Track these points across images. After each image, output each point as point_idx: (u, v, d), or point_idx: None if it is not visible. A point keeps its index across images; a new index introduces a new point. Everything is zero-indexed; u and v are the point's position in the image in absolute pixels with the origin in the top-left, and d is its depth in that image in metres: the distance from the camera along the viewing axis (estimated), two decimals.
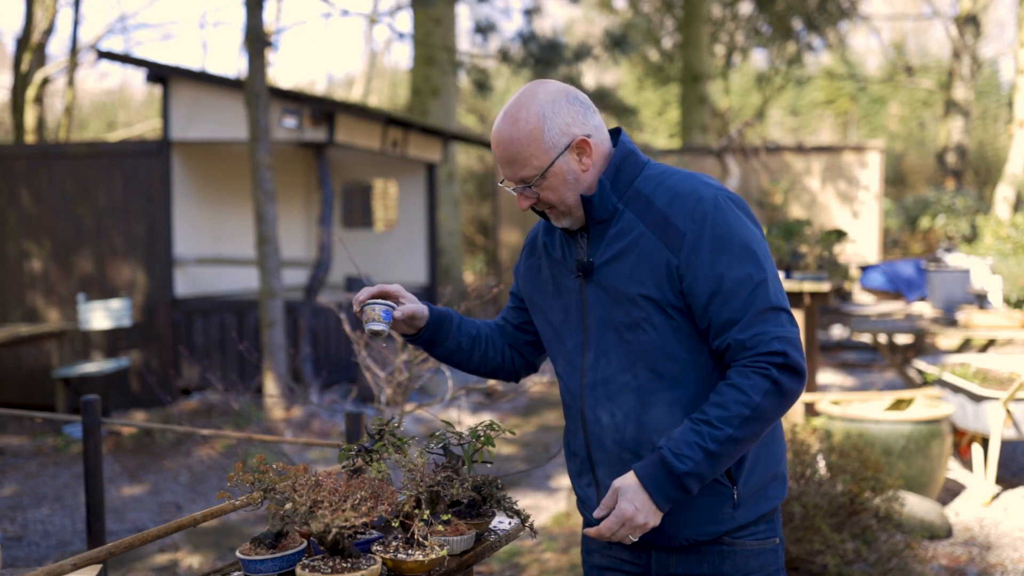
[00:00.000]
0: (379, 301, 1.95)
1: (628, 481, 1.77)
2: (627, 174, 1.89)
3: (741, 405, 1.73)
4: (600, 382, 1.89)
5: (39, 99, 15.74)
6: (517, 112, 1.85)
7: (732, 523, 1.87)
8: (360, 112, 9.05)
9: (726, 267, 1.77)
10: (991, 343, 7.53)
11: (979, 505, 5.40)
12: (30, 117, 15.22)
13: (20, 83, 14.96)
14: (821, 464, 4.23)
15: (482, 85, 12.77)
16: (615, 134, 1.94)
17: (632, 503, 1.74)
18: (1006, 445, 6.45)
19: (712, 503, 1.85)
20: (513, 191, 1.91)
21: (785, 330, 1.77)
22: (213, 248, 9.46)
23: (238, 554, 1.73)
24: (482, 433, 1.98)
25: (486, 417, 7.98)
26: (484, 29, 12.56)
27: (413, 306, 2.02)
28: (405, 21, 46.17)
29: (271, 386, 8.08)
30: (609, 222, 1.88)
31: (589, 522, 2.02)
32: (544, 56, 11.65)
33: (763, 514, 1.90)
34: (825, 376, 9.71)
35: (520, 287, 2.12)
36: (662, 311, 1.82)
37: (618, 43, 12.53)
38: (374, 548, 1.78)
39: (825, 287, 6.17)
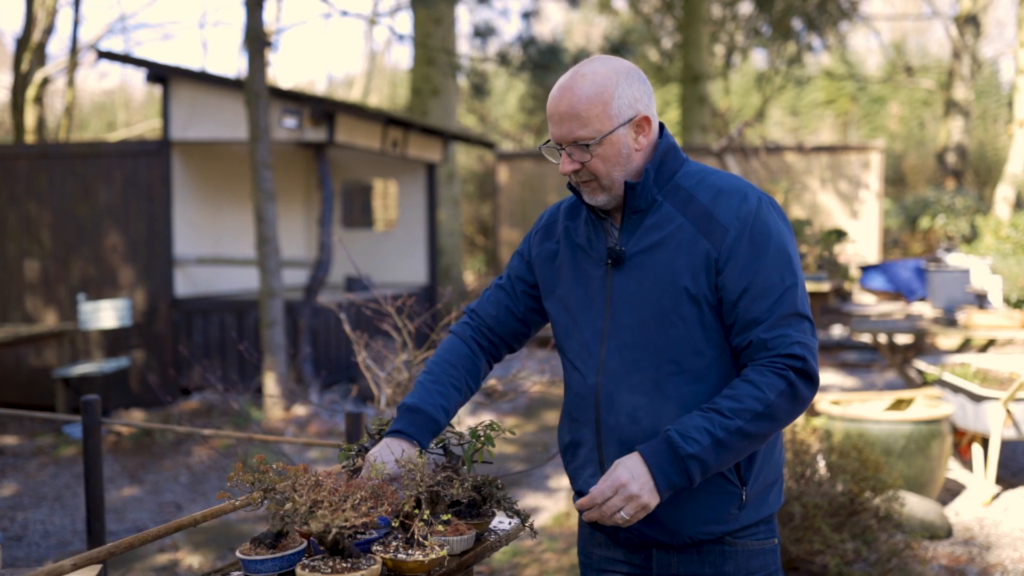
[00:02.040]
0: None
1: (630, 456, 1.75)
2: (669, 167, 1.88)
3: (755, 400, 1.72)
4: (619, 372, 1.87)
5: (39, 99, 15.74)
6: (589, 70, 1.82)
7: (735, 524, 1.86)
8: (360, 112, 9.05)
9: (761, 267, 1.78)
10: (991, 343, 7.53)
11: (979, 505, 5.40)
12: (30, 117, 15.22)
13: (20, 83, 14.96)
14: (821, 464, 4.23)
15: (480, 88, 12.78)
16: (659, 128, 1.93)
17: (630, 472, 1.72)
18: (1006, 445, 6.45)
19: (719, 502, 1.84)
20: (561, 150, 1.85)
21: (806, 337, 1.78)
22: (213, 248, 9.46)
23: (238, 554, 1.73)
24: (482, 433, 1.98)
25: (486, 417, 7.98)
26: (483, 33, 12.57)
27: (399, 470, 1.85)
28: (405, 22, 46.18)
29: (271, 386, 8.08)
30: (646, 212, 1.87)
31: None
32: (543, 61, 11.65)
33: (764, 517, 1.90)
34: (825, 376, 9.70)
35: (535, 272, 2.06)
36: (695, 303, 1.81)
37: (617, 49, 12.54)
38: (374, 548, 1.78)
39: (825, 287, 6.18)
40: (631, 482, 1.71)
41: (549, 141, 1.89)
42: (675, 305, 1.82)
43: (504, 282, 2.12)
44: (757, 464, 1.86)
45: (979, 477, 5.61)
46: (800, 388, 1.75)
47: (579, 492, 2.00)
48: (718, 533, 1.86)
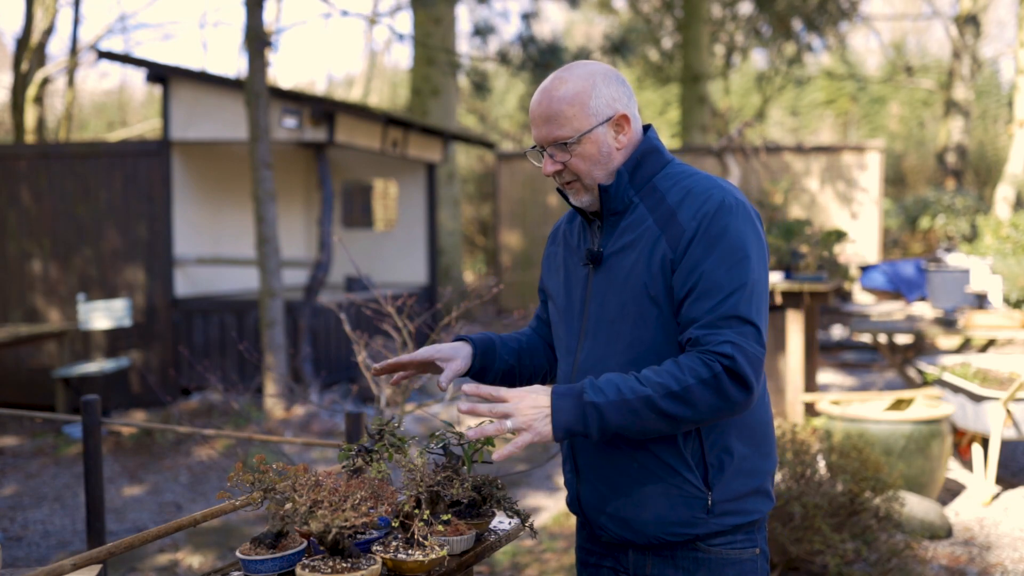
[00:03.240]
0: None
1: (542, 387, 1.75)
2: (647, 169, 1.89)
3: (671, 377, 1.70)
4: (589, 370, 1.89)
5: (39, 99, 15.74)
6: (568, 74, 1.86)
7: (705, 528, 1.84)
8: (360, 112, 9.05)
9: (709, 267, 1.77)
10: (991, 343, 7.53)
11: (979, 505, 5.40)
12: (30, 117, 15.22)
13: (20, 83, 14.97)
14: (821, 464, 4.23)
15: (480, 87, 12.78)
16: (644, 130, 1.95)
17: (531, 393, 1.70)
18: (1006, 445, 6.45)
19: (683, 504, 1.84)
20: (543, 153, 1.88)
21: (744, 341, 1.73)
22: (213, 248, 9.46)
23: (238, 554, 1.73)
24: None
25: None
26: (482, 32, 12.57)
27: (456, 364, 1.99)
28: (405, 22, 46.17)
29: (271, 386, 8.08)
30: (623, 214, 1.89)
31: (571, 505, 2.04)
32: (543, 59, 11.65)
33: (740, 525, 1.87)
34: (825, 376, 9.70)
35: (542, 276, 2.14)
36: (655, 304, 1.82)
37: (617, 48, 12.54)
38: (374, 548, 1.78)
39: (825, 287, 6.18)
40: (523, 401, 1.69)
41: (535, 146, 1.91)
42: (638, 305, 1.83)
43: (540, 293, 2.21)
44: (728, 472, 1.85)
45: (979, 477, 5.61)
46: (725, 384, 1.70)
47: (566, 483, 2.05)
48: (687, 536, 1.85)
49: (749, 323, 1.75)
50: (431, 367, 2.01)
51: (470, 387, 1.73)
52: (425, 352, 1.98)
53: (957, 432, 5.95)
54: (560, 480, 6.26)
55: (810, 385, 6.87)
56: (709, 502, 1.83)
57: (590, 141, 1.84)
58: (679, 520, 1.84)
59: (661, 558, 1.89)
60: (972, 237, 14.00)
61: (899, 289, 12.15)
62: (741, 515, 1.87)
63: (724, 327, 1.73)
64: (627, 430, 1.71)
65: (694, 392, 1.69)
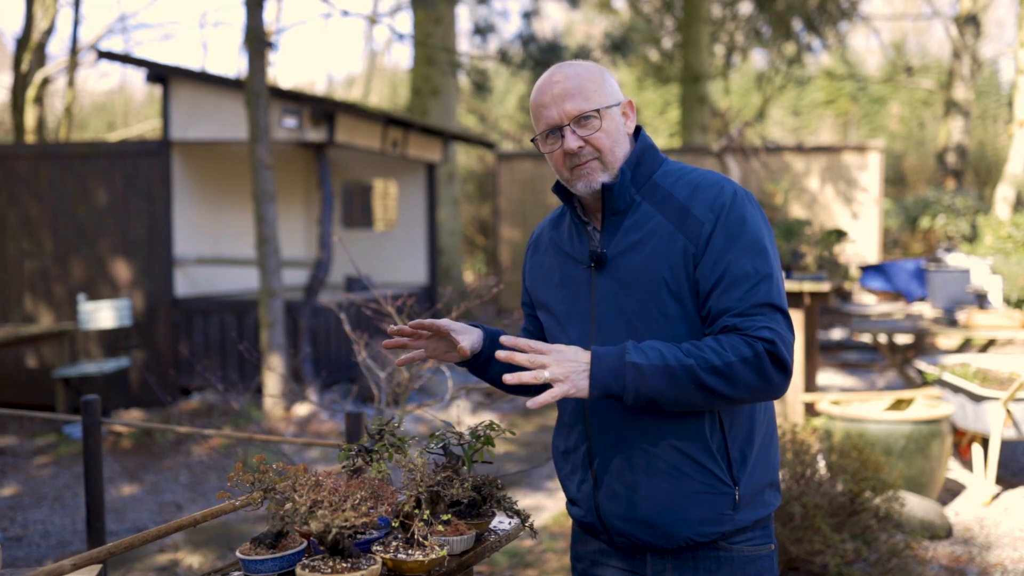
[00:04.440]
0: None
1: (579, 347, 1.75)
2: (647, 167, 1.90)
3: (713, 353, 1.70)
4: None
5: (39, 99, 15.74)
6: (572, 64, 1.90)
7: (731, 525, 1.83)
8: (360, 112, 9.05)
9: (735, 256, 1.77)
10: (991, 343, 7.53)
11: (979, 505, 5.40)
12: (30, 117, 15.22)
13: (20, 83, 14.96)
14: (821, 464, 4.23)
15: (481, 86, 12.79)
16: (635, 132, 1.95)
17: (574, 352, 1.71)
18: (1006, 445, 6.45)
19: (712, 502, 1.82)
20: (566, 128, 1.84)
21: (779, 327, 1.75)
22: (213, 248, 9.46)
23: (238, 554, 1.73)
24: (482, 433, 1.98)
25: (486, 417, 7.98)
26: (483, 30, 12.58)
27: (473, 339, 1.95)
28: (405, 22, 46.18)
29: (271, 386, 8.08)
30: (625, 214, 1.88)
31: (578, 521, 2.00)
32: (544, 58, 11.66)
33: (759, 519, 1.88)
34: (825, 376, 9.70)
35: (528, 288, 2.09)
36: (677, 300, 1.81)
37: (617, 46, 12.55)
38: (374, 548, 1.78)
39: (825, 287, 6.17)
40: (564, 352, 1.70)
41: (535, 137, 1.90)
42: (658, 303, 1.82)
43: (524, 308, 2.17)
44: (750, 464, 1.84)
45: (979, 477, 5.61)
46: (767, 365, 1.71)
47: (571, 500, 1.99)
48: (714, 535, 1.83)
49: (780, 310, 1.77)
50: (446, 340, 1.95)
51: (508, 339, 1.71)
52: (445, 321, 1.94)
53: (957, 432, 5.95)
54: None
55: (810, 385, 6.87)
56: (736, 497, 1.82)
57: (610, 118, 1.86)
58: (708, 519, 1.82)
59: (681, 560, 1.86)
60: (972, 237, 14.01)
61: (899, 289, 12.15)
62: (761, 508, 1.87)
63: (758, 314, 1.75)
64: (662, 396, 1.70)
65: (736, 369, 1.70)
